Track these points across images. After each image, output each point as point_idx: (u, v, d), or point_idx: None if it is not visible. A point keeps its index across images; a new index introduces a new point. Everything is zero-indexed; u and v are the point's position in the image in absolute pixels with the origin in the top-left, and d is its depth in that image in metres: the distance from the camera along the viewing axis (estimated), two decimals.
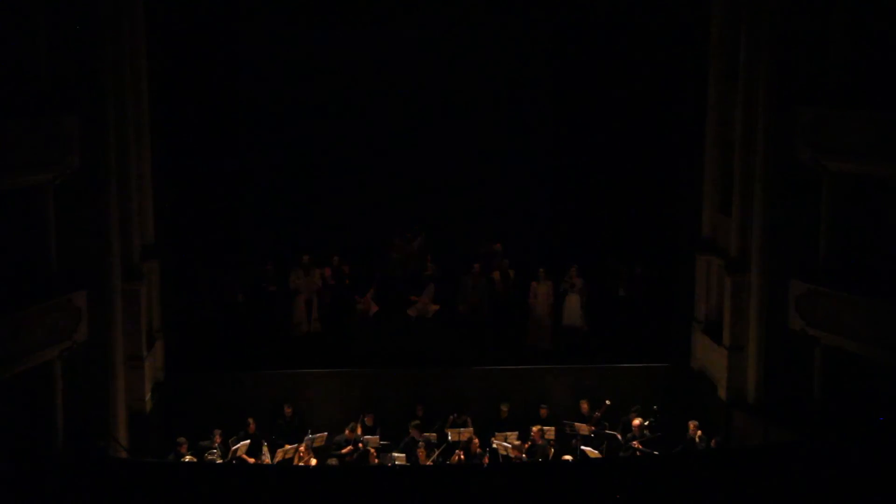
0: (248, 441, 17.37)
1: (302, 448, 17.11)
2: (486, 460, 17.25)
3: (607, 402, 18.33)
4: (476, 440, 17.49)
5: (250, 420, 17.72)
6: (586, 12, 20.68)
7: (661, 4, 20.09)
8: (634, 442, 17.58)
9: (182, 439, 17.05)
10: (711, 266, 19.44)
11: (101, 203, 16.85)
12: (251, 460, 17.21)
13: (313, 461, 17.10)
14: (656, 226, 20.73)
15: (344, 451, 17.40)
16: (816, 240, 17.22)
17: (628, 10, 20.48)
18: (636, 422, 17.96)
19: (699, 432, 17.56)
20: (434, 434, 17.96)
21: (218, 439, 17.47)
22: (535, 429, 17.72)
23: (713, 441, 17.47)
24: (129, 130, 17.65)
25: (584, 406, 18.52)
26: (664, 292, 20.67)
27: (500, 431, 17.97)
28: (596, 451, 17.39)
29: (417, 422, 17.98)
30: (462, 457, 17.24)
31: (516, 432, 17.92)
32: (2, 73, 15.84)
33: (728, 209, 18.70)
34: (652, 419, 17.87)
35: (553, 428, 17.99)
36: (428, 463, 16.99)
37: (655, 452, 17.35)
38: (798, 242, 17.45)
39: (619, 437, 17.71)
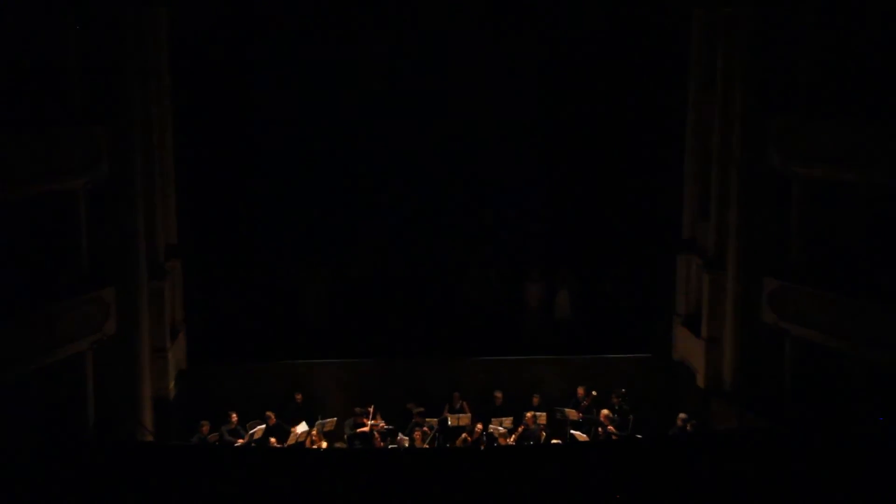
0: (264, 426, 17.32)
1: (314, 432, 17.11)
2: (483, 444, 17.15)
3: (593, 392, 18.30)
4: (479, 425, 17.48)
5: (270, 414, 17.60)
6: (575, 28, 20.36)
7: (644, 21, 19.96)
8: (609, 426, 17.53)
9: (205, 423, 17.11)
10: (691, 265, 19.40)
11: (128, 207, 16.92)
12: (274, 441, 17.22)
13: (324, 444, 17.08)
14: (640, 228, 20.58)
15: (359, 430, 17.46)
16: (787, 240, 17.26)
17: (614, 26, 20.33)
18: (605, 411, 17.85)
19: (687, 421, 17.48)
20: (435, 420, 17.86)
21: (234, 419, 17.46)
22: (528, 415, 17.67)
23: (689, 425, 17.41)
24: (153, 140, 17.60)
25: (581, 391, 18.45)
26: (647, 289, 20.58)
27: (495, 417, 17.76)
28: (584, 435, 17.33)
29: (422, 409, 18.00)
30: (469, 439, 17.30)
31: (511, 418, 17.71)
32: (38, 88, 15.82)
33: (706, 212, 18.69)
34: (622, 401, 17.94)
35: (545, 414, 17.90)
36: (424, 446, 17.00)
37: (625, 433, 17.45)
38: (770, 243, 17.46)
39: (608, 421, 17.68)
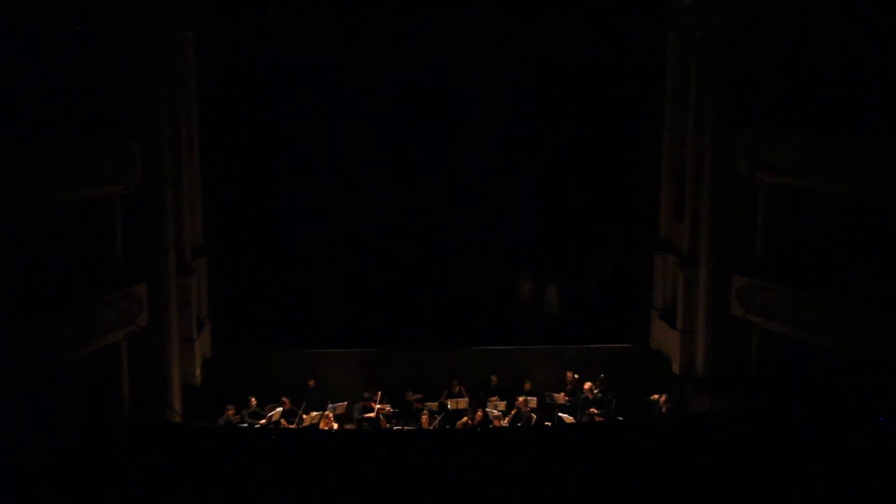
0: (281, 409, 17.30)
1: (329, 415, 16.98)
2: (474, 423, 17.18)
3: (576, 376, 18.39)
4: (480, 412, 17.47)
5: (285, 399, 17.50)
6: (565, 48, 20.12)
7: (626, 42, 19.92)
8: (591, 409, 17.55)
9: (230, 406, 17.11)
10: (667, 263, 19.38)
11: (159, 211, 16.92)
12: (285, 423, 17.17)
13: (335, 426, 17.06)
14: (621, 229, 20.59)
15: (367, 415, 17.49)
16: (753, 241, 17.28)
17: (600, 46, 20.14)
18: (587, 385, 17.86)
19: (666, 403, 17.62)
20: (435, 403, 17.81)
21: (254, 402, 17.41)
22: (520, 399, 17.65)
23: (665, 408, 17.49)
24: (181, 151, 17.54)
25: (570, 375, 18.49)
26: (628, 285, 20.55)
27: (491, 397, 17.83)
28: (570, 417, 17.34)
29: (419, 395, 18.03)
30: (469, 422, 17.25)
31: (504, 402, 17.66)
32: (80, 106, 15.87)
33: (681, 215, 18.69)
34: (603, 385, 17.94)
35: (535, 398, 17.88)
36: (431, 427, 16.96)
37: (607, 415, 17.45)
38: (738, 243, 17.45)
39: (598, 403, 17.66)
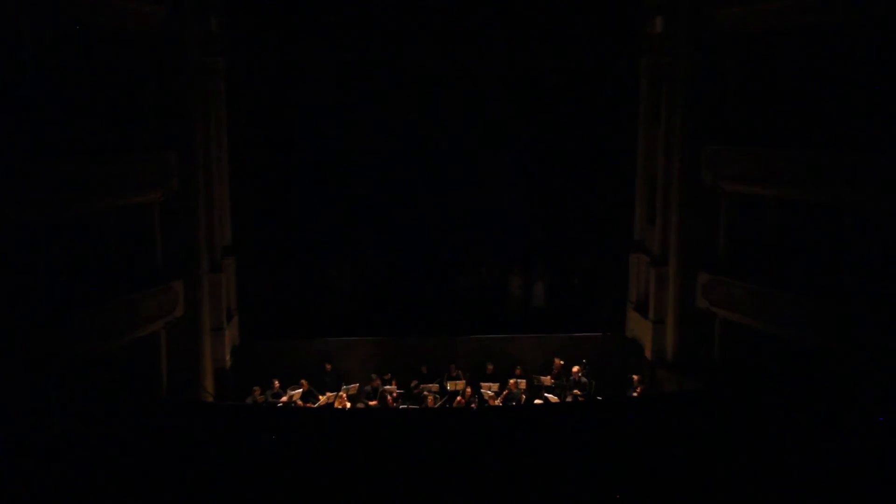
0: (301, 390, 17.28)
1: (343, 395, 17.11)
2: (475, 405, 17.11)
3: (561, 362, 18.42)
4: (469, 389, 17.49)
5: (303, 381, 17.43)
6: (551, 70, 20.22)
7: (604, 66, 19.88)
8: (575, 390, 17.57)
9: (256, 388, 17.20)
10: (640, 261, 19.40)
11: (192, 216, 17.11)
12: (301, 403, 17.14)
13: (348, 404, 17.03)
14: (600, 232, 20.55)
15: (371, 403, 17.49)
16: (716, 242, 17.40)
17: (582, 69, 20.17)
18: (575, 369, 17.87)
19: (639, 385, 17.72)
20: (436, 385, 17.73)
21: (276, 384, 17.35)
22: (511, 381, 17.67)
23: (639, 389, 17.61)
24: (212, 163, 17.63)
25: (556, 361, 18.43)
26: (606, 281, 20.50)
27: (485, 382, 17.80)
28: (555, 397, 17.33)
29: (415, 382, 17.98)
30: (462, 401, 17.23)
31: (497, 384, 17.72)
32: (123, 122, 15.97)
33: (653, 220, 18.75)
34: (584, 369, 17.97)
35: (525, 381, 17.89)
36: (435, 406, 17.03)
37: (583, 396, 17.49)
38: (703, 244, 17.53)
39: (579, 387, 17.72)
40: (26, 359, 13.60)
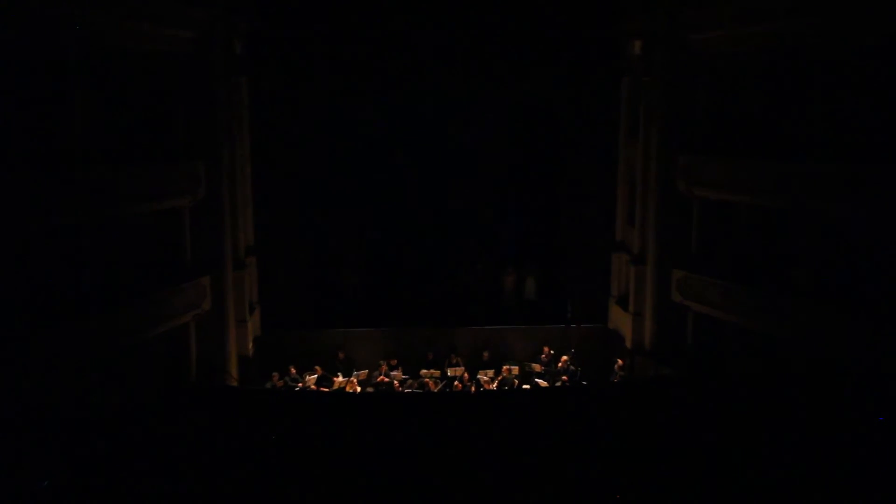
0: (315, 375, 17.37)
1: (354, 380, 17.15)
2: (473, 389, 17.18)
3: (551, 350, 18.50)
4: (467, 375, 17.57)
5: (317, 368, 17.59)
6: (539, 85, 19.97)
7: (588, 84, 19.71)
8: (563, 377, 17.59)
9: (275, 374, 17.25)
10: (622, 260, 19.44)
11: (219, 219, 17.10)
12: (315, 387, 17.22)
13: (358, 389, 17.01)
14: (585, 233, 20.38)
15: (375, 388, 17.52)
16: (689, 243, 17.41)
17: (569, 86, 19.91)
18: (564, 357, 17.88)
19: (620, 368, 17.76)
20: (437, 371, 17.75)
21: (293, 371, 17.43)
22: (504, 368, 17.74)
23: (620, 375, 17.65)
24: (236, 170, 17.61)
25: (546, 350, 18.45)
26: (590, 277, 20.31)
27: (482, 369, 17.84)
28: (545, 382, 17.42)
29: (422, 370, 17.95)
30: (460, 386, 17.34)
31: (493, 370, 17.76)
32: (155, 134, 16.00)
33: (633, 222, 18.69)
34: (570, 357, 17.99)
35: (517, 367, 17.96)
36: (436, 390, 17.11)
37: (566, 381, 17.50)
38: (678, 244, 17.52)
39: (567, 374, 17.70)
40: (73, 347, 13.71)
